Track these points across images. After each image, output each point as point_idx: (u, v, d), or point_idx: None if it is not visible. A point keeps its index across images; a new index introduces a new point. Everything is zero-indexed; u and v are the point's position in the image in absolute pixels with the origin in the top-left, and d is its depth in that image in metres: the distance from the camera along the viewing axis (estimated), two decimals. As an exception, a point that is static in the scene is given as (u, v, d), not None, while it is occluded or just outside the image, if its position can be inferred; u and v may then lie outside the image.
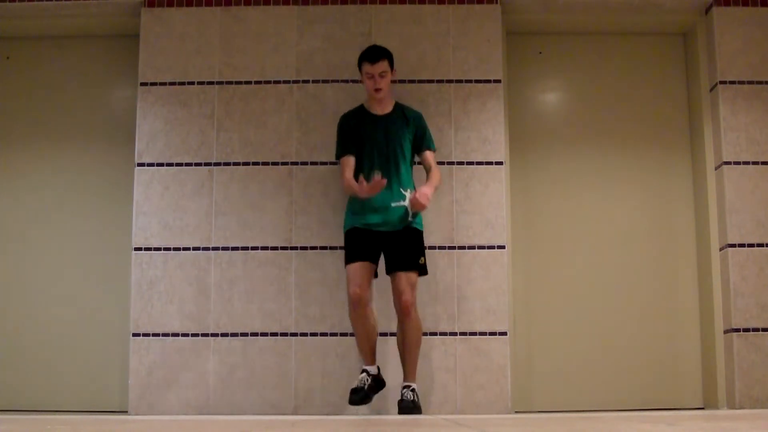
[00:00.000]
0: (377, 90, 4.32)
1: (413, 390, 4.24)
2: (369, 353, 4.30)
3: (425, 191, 4.25)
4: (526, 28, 5.10)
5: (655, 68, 5.13)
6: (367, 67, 4.32)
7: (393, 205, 4.28)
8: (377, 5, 4.83)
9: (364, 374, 4.26)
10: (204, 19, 4.83)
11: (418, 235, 4.35)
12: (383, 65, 4.31)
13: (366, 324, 4.26)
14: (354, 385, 4.25)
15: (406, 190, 4.30)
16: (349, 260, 4.31)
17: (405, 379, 4.29)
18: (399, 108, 4.45)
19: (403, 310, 4.25)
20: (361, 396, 4.20)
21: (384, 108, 4.42)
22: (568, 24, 5.09)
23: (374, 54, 4.33)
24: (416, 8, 4.84)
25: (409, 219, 4.31)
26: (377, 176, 4.18)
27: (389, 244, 4.30)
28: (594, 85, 5.13)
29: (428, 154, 4.43)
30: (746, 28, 4.83)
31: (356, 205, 4.34)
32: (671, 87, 5.11)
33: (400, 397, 4.25)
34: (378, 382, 4.32)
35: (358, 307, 4.22)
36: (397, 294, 4.27)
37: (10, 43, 5.14)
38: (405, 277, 4.26)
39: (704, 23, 4.94)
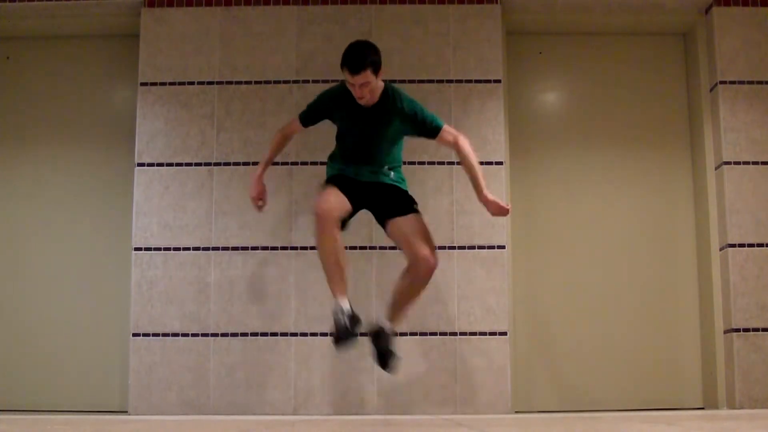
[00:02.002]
0: (359, 98, 3.92)
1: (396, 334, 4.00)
2: (341, 280, 3.81)
3: (490, 199, 3.92)
4: (526, 28, 5.10)
5: (655, 68, 5.13)
6: (347, 76, 3.85)
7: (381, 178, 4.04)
8: (377, 5, 4.83)
9: (339, 314, 3.74)
10: (204, 19, 4.83)
11: (405, 191, 4.08)
12: (365, 76, 3.82)
13: (336, 244, 3.79)
14: (332, 330, 3.79)
15: (391, 168, 4.07)
16: (326, 184, 3.98)
17: (393, 321, 3.99)
18: (387, 96, 3.99)
19: (427, 272, 3.90)
20: (348, 336, 3.74)
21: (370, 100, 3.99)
22: (568, 24, 5.09)
23: (355, 64, 3.81)
24: (416, 8, 4.84)
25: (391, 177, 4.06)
26: (260, 203, 4.08)
27: (376, 193, 4.02)
28: (594, 85, 5.13)
29: (444, 135, 4.01)
30: (746, 28, 4.83)
31: (339, 164, 4.09)
32: (671, 87, 5.12)
33: (384, 340, 3.96)
34: (355, 319, 3.82)
35: (326, 222, 3.75)
36: (419, 255, 3.87)
37: (10, 43, 5.14)
38: (419, 226, 3.94)
39: (704, 23, 4.94)
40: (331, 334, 3.78)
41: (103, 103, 5.12)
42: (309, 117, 4.17)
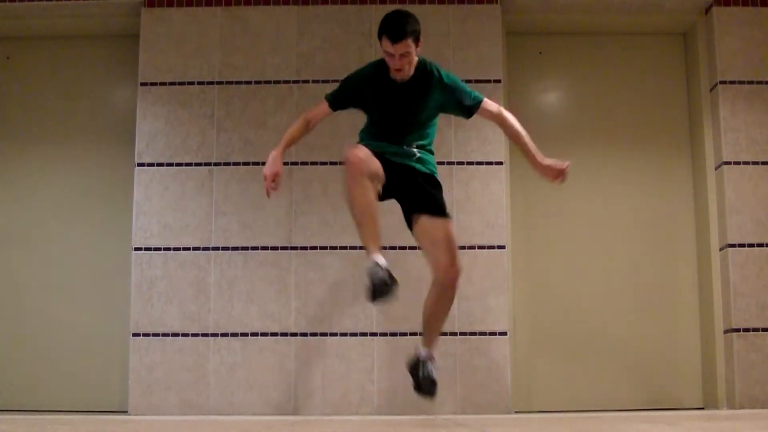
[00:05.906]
0: (397, 70, 3.64)
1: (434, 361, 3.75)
2: (376, 235, 3.47)
3: (546, 163, 3.65)
4: (526, 28, 5.10)
5: (655, 68, 5.13)
6: (386, 45, 3.57)
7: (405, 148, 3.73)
8: (377, 5, 4.83)
9: (375, 267, 3.37)
10: (204, 19, 4.83)
11: (439, 185, 3.77)
12: (406, 45, 3.56)
13: (368, 194, 3.48)
14: (368, 285, 3.39)
15: (422, 148, 3.78)
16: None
17: (428, 345, 3.74)
18: (425, 68, 3.74)
19: (451, 282, 3.62)
20: (387, 287, 3.36)
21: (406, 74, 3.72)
22: (568, 24, 5.09)
23: (396, 31, 3.55)
24: (416, 8, 4.81)
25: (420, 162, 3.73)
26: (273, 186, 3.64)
27: (408, 179, 3.70)
28: (594, 85, 5.13)
29: (484, 108, 3.77)
30: (746, 28, 4.83)
31: (373, 137, 3.76)
32: (671, 87, 5.12)
33: (421, 369, 3.72)
34: (391, 275, 3.43)
35: (359, 172, 3.47)
36: (443, 261, 3.60)
37: (10, 43, 5.14)
38: (446, 233, 3.62)
39: (704, 23, 4.95)
40: (368, 290, 3.38)
41: (103, 103, 5.12)
42: (339, 99, 3.82)
